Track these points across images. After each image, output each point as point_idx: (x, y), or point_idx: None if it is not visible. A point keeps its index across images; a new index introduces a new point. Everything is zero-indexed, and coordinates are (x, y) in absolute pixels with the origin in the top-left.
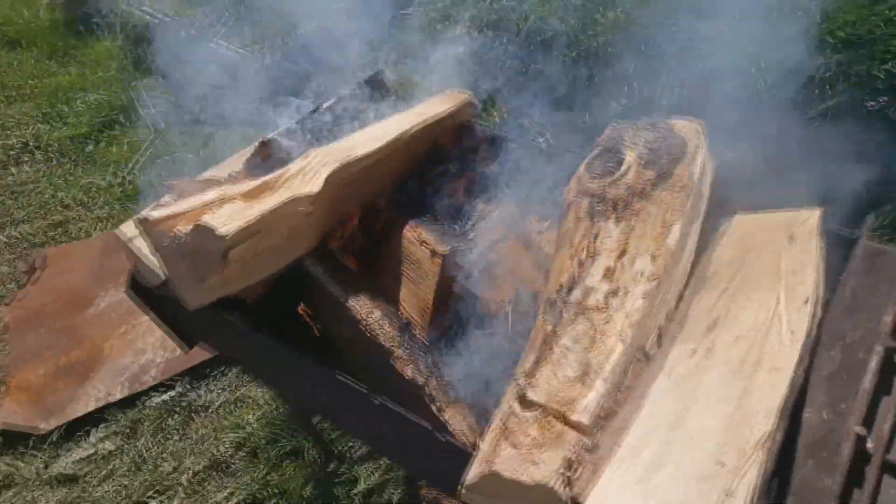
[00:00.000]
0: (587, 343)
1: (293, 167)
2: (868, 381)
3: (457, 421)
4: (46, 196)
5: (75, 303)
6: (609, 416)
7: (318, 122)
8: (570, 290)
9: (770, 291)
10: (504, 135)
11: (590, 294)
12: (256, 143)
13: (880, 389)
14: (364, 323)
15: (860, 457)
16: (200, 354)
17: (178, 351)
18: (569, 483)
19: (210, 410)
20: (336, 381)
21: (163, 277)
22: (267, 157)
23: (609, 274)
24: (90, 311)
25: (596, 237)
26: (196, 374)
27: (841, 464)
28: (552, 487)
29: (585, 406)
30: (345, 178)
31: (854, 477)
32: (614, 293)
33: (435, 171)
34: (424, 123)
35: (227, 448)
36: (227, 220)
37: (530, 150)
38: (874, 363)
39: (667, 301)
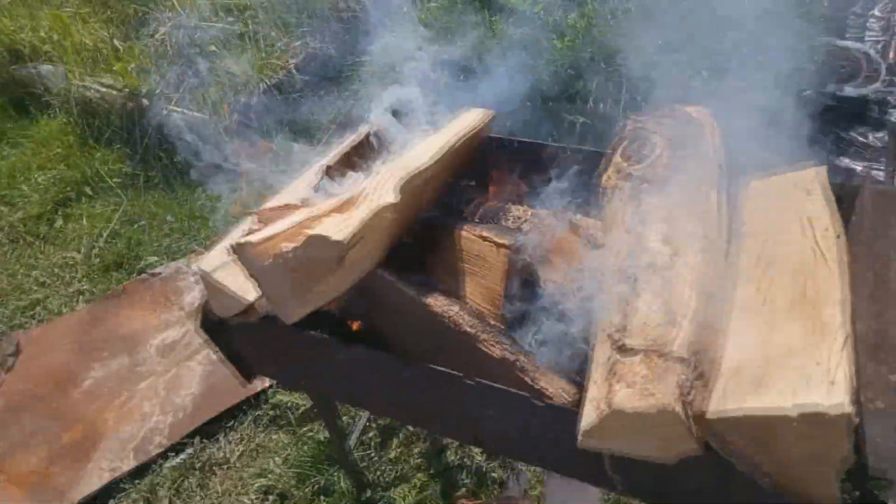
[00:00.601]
0: (666, 295)
1: (367, 185)
2: None
3: (552, 386)
4: (19, 277)
5: (62, 382)
6: (702, 350)
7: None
8: (636, 257)
9: (803, 236)
10: (523, 144)
11: (656, 256)
12: (321, 170)
13: None
14: (446, 316)
15: None
16: (209, 411)
17: (184, 412)
18: (687, 405)
19: (230, 464)
20: (430, 375)
21: (245, 303)
22: (331, 180)
23: (667, 238)
24: (79, 388)
25: (646, 212)
26: (207, 431)
27: None
28: (673, 409)
29: (680, 342)
30: (409, 190)
31: None
32: (676, 253)
33: (467, 182)
34: (465, 137)
35: (254, 497)
36: (336, 229)
37: (548, 155)
38: None
39: (718, 253)
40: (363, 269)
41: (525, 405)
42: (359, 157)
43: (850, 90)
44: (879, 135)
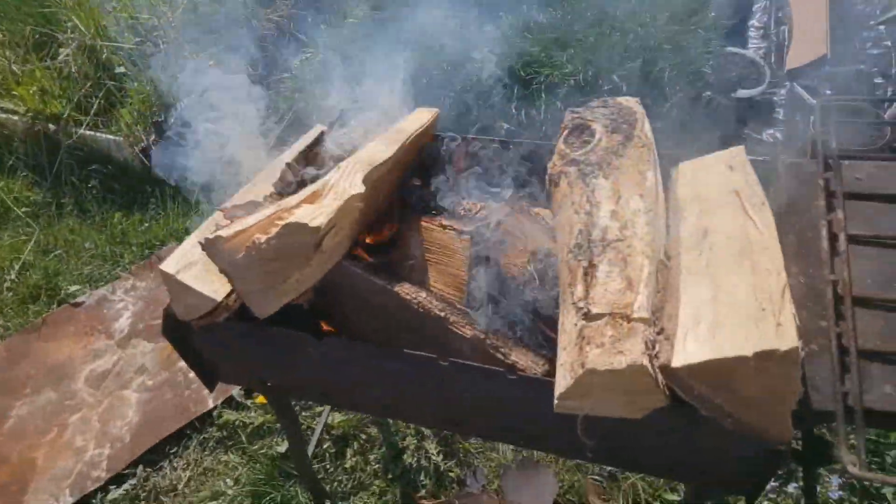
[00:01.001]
0: (622, 264)
1: (331, 177)
2: (824, 249)
3: (523, 359)
4: None
5: None
6: (659, 310)
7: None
8: (589, 233)
9: (733, 206)
10: (469, 140)
11: (607, 231)
12: (282, 168)
13: (831, 253)
14: (415, 302)
15: (837, 300)
16: (149, 439)
17: (122, 442)
18: (653, 358)
19: (178, 490)
20: (405, 359)
21: (214, 302)
22: (294, 177)
23: (615, 215)
24: (3, 427)
25: (593, 192)
26: (150, 460)
27: (829, 306)
28: (643, 364)
29: (640, 304)
30: (371, 182)
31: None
32: (624, 226)
33: (419, 178)
34: (417, 132)
35: None
36: (311, 217)
37: (494, 149)
38: (824, 233)
39: (660, 226)
40: (335, 258)
41: (500, 379)
42: (314, 155)
43: (742, 92)
44: (770, 131)
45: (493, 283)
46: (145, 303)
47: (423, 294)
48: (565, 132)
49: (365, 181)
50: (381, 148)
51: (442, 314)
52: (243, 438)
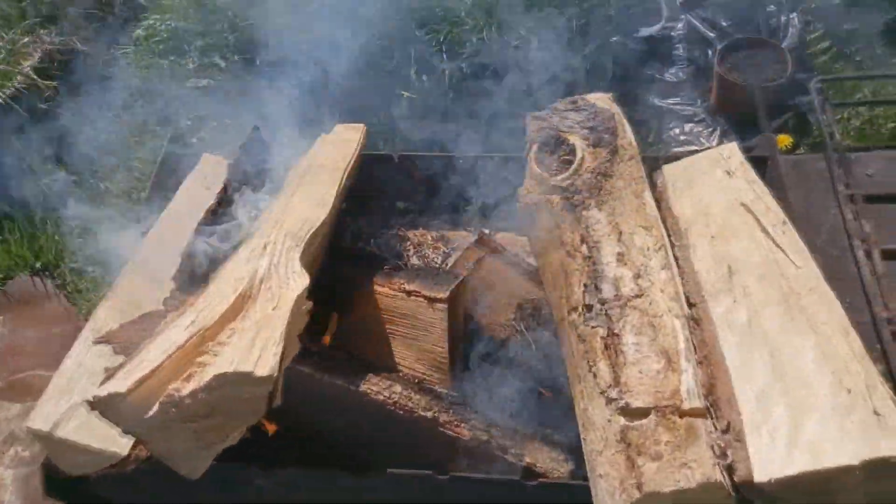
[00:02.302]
0: (650, 331)
1: (260, 266)
2: (865, 275)
3: (539, 459)
4: None
5: None
6: (711, 391)
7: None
8: (597, 287)
9: (748, 227)
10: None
11: (620, 283)
12: (182, 257)
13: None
14: (389, 402)
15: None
16: None
17: None
18: (727, 470)
19: None
20: (393, 481)
21: (118, 458)
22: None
23: (622, 259)
24: None
25: (587, 229)
26: None
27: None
28: (718, 480)
29: (688, 388)
30: (312, 256)
31: None
32: (638, 275)
33: (357, 214)
34: (351, 167)
35: None
36: (250, 356)
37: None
38: (861, 254)
39: (671, 263)
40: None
41: (516, 490)
42: (218, 212)
43: (644, 31)
44: (673, 70)
45: (483, 356)
46: (1, 354)
47: (399, 388)
48: (534, 147)
49: (305, 262)
50: (311, 201)
51: (429, 415)
52: None
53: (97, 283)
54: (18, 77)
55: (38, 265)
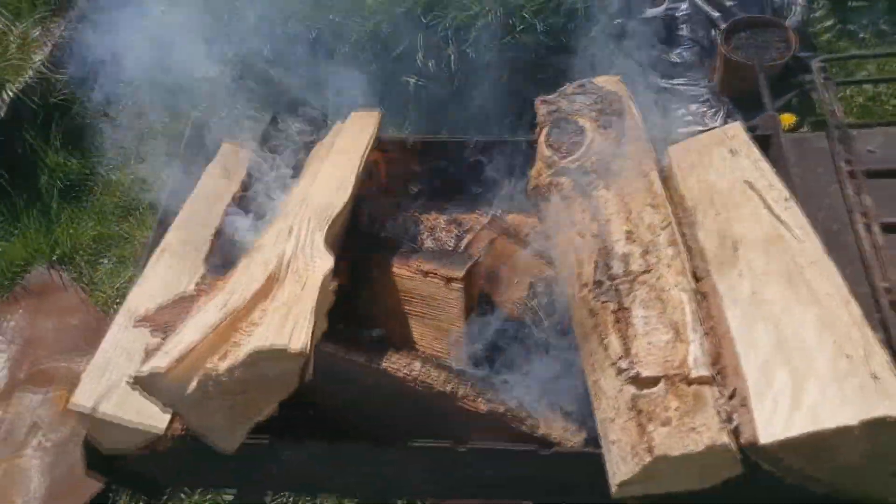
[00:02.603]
0: (658, 305)
1: (287, 249)
2: (865, 247)
3: (553, 430)
4: None
5: None
6: (717, 360)
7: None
8: (606, 265)
9: (752, 203)
10: (422, 143)
11: (629, 260)
12: (210, 238)
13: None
14: (409, 378)
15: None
16: None
17: None
18: (733, 433)
19: None
20: (413, 451)
21: (157, 433)
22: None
23: (631, 237)
24: None
25: (597, 208)
26: None
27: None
28: (725, 443)
29: (696, 358)
30: (334, 238)
31: None
32: (647, 251)
33: (375, 199)
34: (367, 151)
35: None
36: (286, 331)
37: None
38: (860, 228)
39: (679, 240)
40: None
41: (531, 458)
42: (241, 197)
43: (650, 11)
44: (678, 50)
45: (497, 333)
46: (21, 345)
47: (418, 365)
48: (544, 130)
49: (329, 244)
50: (332, 185)
51: (448, 389)
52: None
53: (112, 274)
54: (30, 71)
55: (54, 257)
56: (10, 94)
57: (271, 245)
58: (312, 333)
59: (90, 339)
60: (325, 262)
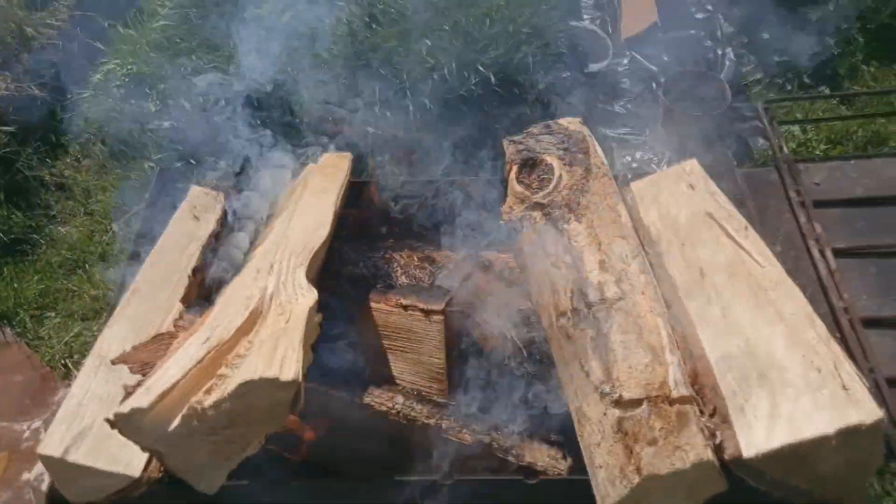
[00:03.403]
0: (635, 330)
1: (269, 284)
2: (821, 271)
3: (539, 458)
4: None
5: None
6: (695, 380)
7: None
8: (583, 292)
9: (713, 233)
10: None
11: (603, 288)
12: (188, 276)
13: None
14: (393, 412)
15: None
16: None
17: None
18: (717, 449)
19: None
20: (396, 488)
21: (131, 479)
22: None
23: (603, 266)
24: None
25: (569, 240)
26: None
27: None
28: (710, 460)
29: (675, 378)
30: (312, 273)
31: None
32: (620, 279)
33: (346, 240)
34: (343, 191)
35: None
36: (273, 363)
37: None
38: (815, 252)
39: (649, 269)
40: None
41: (518, 489)
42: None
43: (592, 66)
44: (621, 102)
45: (477, 365)
46: None
47: (399, 399)
48: (514, 168)
49: (309, 279)
50: (310, 223)
51: (431, 422)
52: None
53: (59, 328)
54: None
55: None
56: None
57: (252, 281)
58: (305, 363)
59: (36, 396)
60: (309, 295)
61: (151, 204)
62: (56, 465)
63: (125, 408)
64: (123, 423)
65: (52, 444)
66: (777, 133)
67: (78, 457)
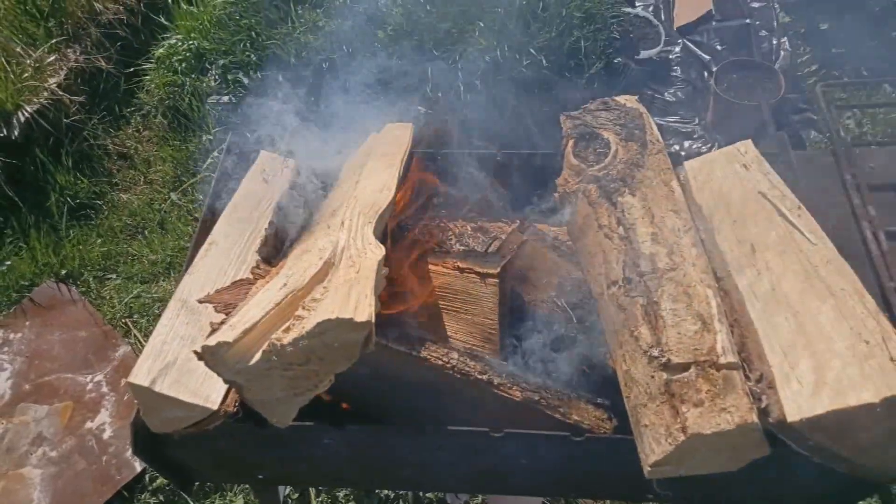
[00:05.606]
0: (685, 299)
1: (340, 238)
2: (874, 251)
3: (586, 417)
4: None
5: None
6: (742, 348)
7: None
8: (636, 263)
9: (765, 211)
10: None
11: (655, 259)
12: (265, 233)
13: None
14: (448, 367)
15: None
16: None
17: None
18: (762, 413)
19: None
20: (451, 436)
21: (210, 411)
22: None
23: (656, 238)
24: None
25: (623, 213)
26: None
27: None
28: (754, 422)
29: (723, 346)
30: (379, 232)
31: None
32: (672, 252)
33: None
34: (404, 157)
35: None
36: (351, 305)
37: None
38: (868, 234)
39: (700, 243)
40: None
41: (565, 444)
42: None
43: (644, 53)
44: (671, 90)
45: (527, 328)
46: (27, 358)
47: (454, 355)
48: (570, 142)
49: (377, 235)
50: (376, 186)
51: (484, 377)
52: (189, 501)
53: (120, 290)
54: (45, 93)
55: (62, 273)
56: (25, 115)
57: (323, 236)
58: (376, 307)
59: (98, 352)
60: (377, 250)
61: (222, 169)
62: (144, 394)
63: (212, 341)
64: (209, 356)
65: (140, 374)
66: (834, 116)
67: (164, 387)
